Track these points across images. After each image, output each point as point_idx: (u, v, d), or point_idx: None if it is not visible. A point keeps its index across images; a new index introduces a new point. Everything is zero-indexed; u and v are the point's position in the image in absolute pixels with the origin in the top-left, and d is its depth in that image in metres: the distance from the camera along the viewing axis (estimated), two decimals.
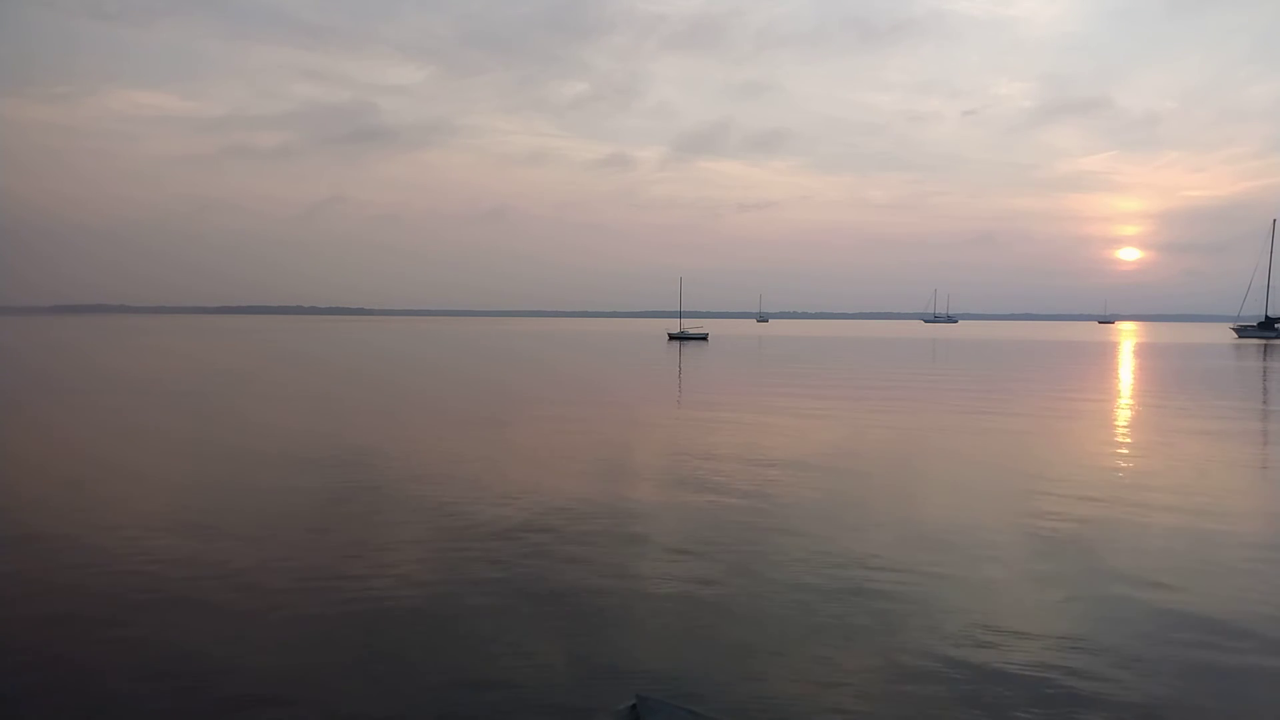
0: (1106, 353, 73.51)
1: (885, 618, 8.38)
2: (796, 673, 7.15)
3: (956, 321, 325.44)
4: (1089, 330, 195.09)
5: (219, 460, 17.11)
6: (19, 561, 10.13)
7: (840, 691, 6.82)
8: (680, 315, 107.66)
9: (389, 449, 18.39)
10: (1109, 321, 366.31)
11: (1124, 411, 27.48)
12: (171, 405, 27.04)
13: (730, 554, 10.55)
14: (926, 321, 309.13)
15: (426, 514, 12.51)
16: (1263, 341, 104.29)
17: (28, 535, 11.24)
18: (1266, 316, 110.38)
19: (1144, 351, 76.28)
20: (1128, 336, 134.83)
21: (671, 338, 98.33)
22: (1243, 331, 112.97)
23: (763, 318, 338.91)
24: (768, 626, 8.19)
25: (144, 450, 18.31)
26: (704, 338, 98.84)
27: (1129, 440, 20.90)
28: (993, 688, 6.86)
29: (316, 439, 19.89)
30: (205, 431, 21.14)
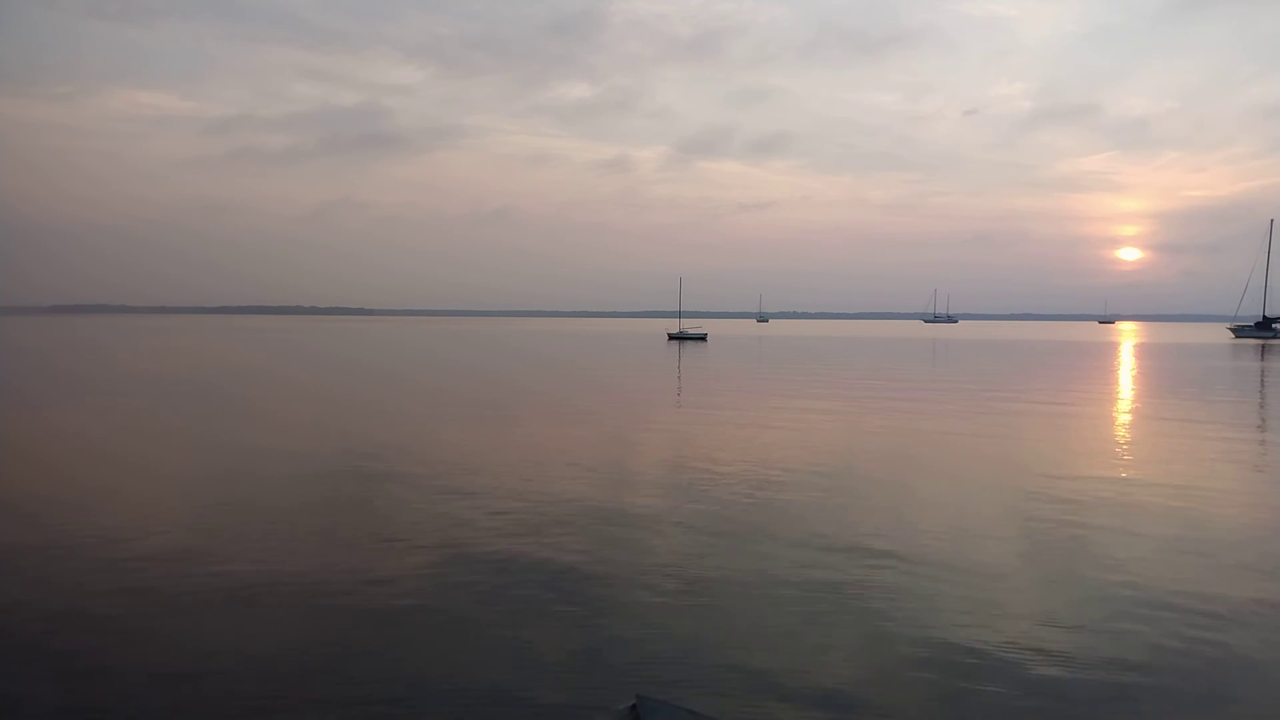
0: (1108, 353, 73.62)
1: (886, 616, 8.49)
2: (797, 672, 7.26)
3: (957, 321, 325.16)
4: (1089, 330, 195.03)
5: (238, 458, 17.25)
6: (29, 559, 10.31)
7: (841, 690, 6.95)
8: (680, 315, 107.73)
9: (396, 445, 18.52)
10: (1109, 321, 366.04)
11: (1127, 411, 27.59)
12: (189, 402, 27.18)
13: (731, 553, 10.67)
14: (927, 321, 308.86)
15: (433, 511, 12.64)
16: (1260, 341, 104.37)
17: (44, 530, 11.40)
18: (1264, 316, 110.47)
19: (1144, 352, 76.39)
20: (1128, 337, 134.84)
21: (671, 338, 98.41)
22: (1240, 331, 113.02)
23: (763, 318, 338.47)
24: (768, 626, 8.30)
25: (168, 448, 18.47)
26: (703, 338, 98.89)
27: (1132, 440, 21.04)
28: (992, 685, 6.99)
29: (326, 434, 20.04)
30: (227, 429, 21.29)
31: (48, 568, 10.07)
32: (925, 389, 35.88)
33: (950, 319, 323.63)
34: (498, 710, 6.61)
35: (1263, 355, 70.13)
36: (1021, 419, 25.14)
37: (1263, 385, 39.90)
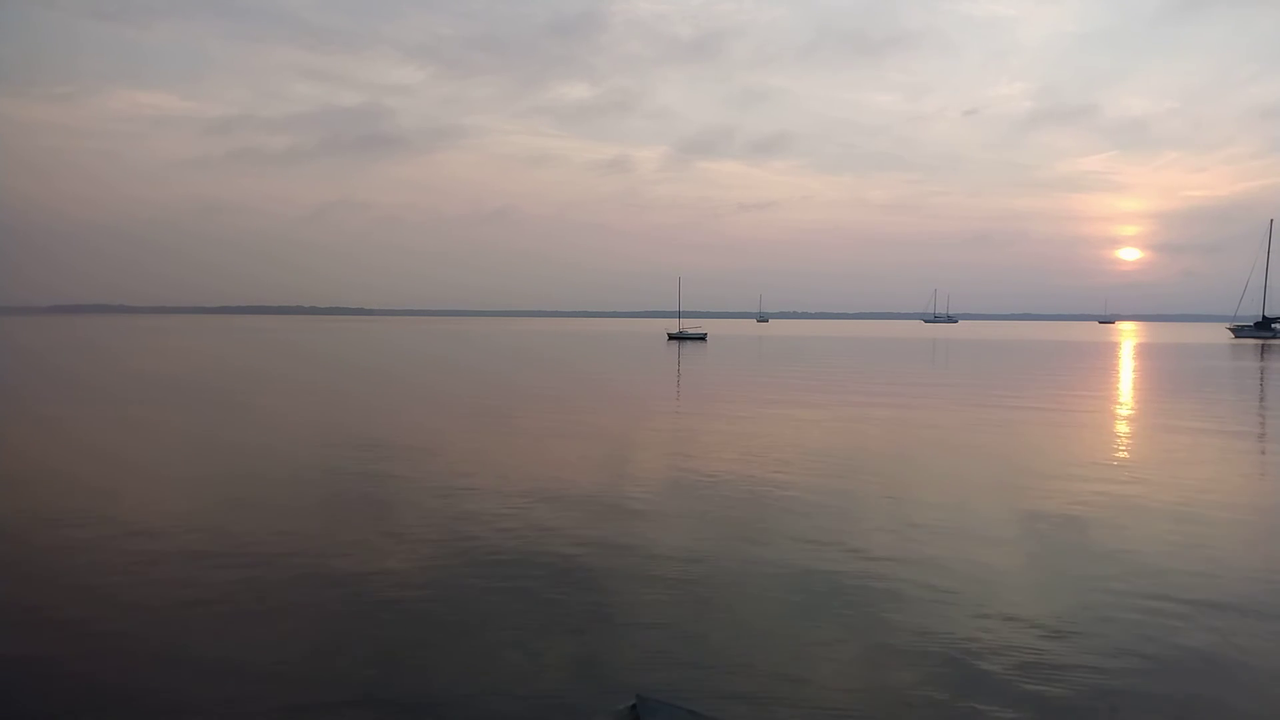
0: (1108, 353, 73.69)
1: (886, 616, 8.51)
2: (797, 672, 7.29)
3: (957, 322, 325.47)
4: (1090, 330, 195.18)
5: (238, 458, 17.30)
6: (32, 558, 10.34)
7: (841, 690, 6.97)
8: (679, 315, 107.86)
9: (397, 446, 18.55)
10: (1109, 321, 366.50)
11: (1127, 412, 27.62)
12: (190, 403, 27.20)
13: (732, 554, 10.69)
14: (927, 322, 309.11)
15: (433, 511, 12.65)
16: (1259, 341, 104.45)
17: (44, 531, 11.41)
18: (1264, 316, 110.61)
19: (1144, 352, 76.47)
20: (1128, 337, 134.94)
21: (671, 338, 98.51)
22: (1239, 331, 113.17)
23: (763, 318, 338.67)
24: (769, 626, 8.33)
25: (170, 449, 18.51)
26: (703, 338, 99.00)
27: (1131, 441, 21.07)
28: (992, 685, 7.01)
29: (327, 435, 20.08)
30: (227, 429, 21.33)
31: (49, 569, 10.10)
32: (925, 390, 35.91)
33: (950, 319, 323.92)
34: (498, 710, 6.63)
35: (1262, 355, 70.21)
36: (1021, 420, 25.17)
37: (1262, 385, 39.94)
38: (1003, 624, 8.40)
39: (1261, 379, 43.88)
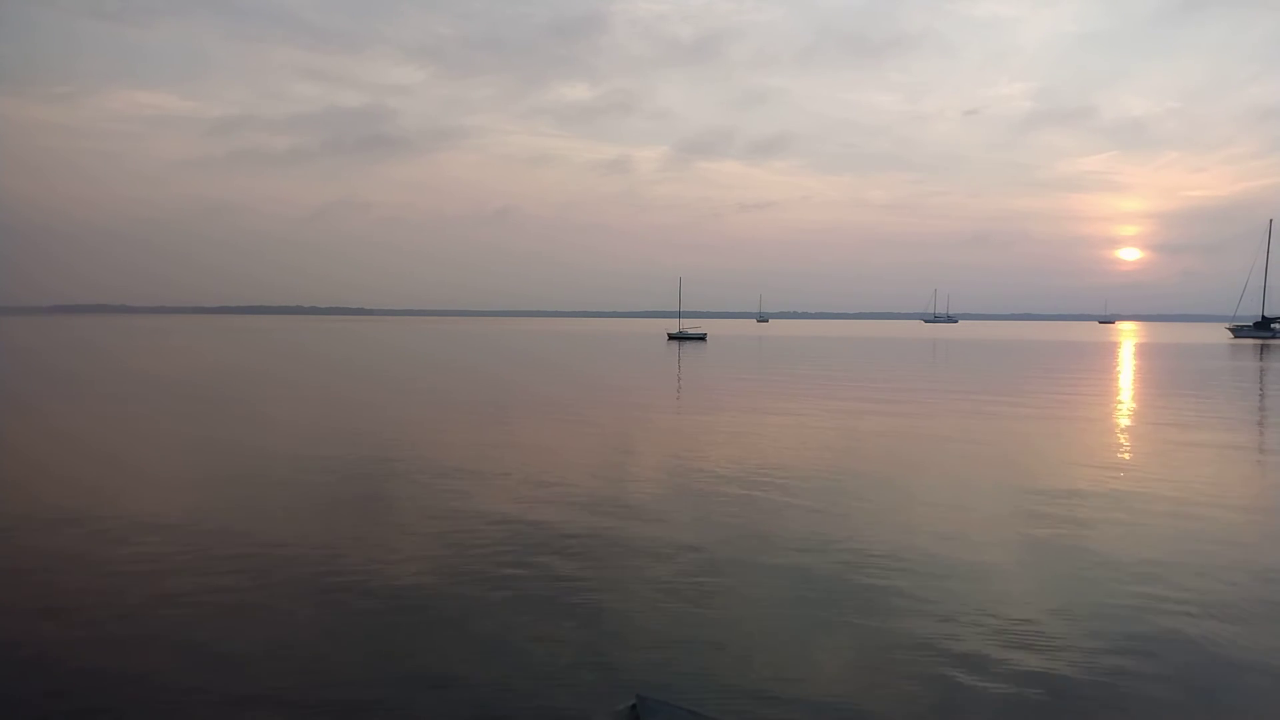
0: (1108, 353, 73.70)
1: (885, 618, 8.55)
2: (796, 672, 7.33)
3: (957, 322, 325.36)
4: (1090, 330, 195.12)
5: (241, 457, 17.35)
6: (33, 557, 10.39)
7: (839, 690, 7.01)
8: (680, 315, 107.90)
9: (398, 447, 18.57)
10: (1109, 321, 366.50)
11: (1127, 412, 27.67)
12: (190, 403, 27.23)
13: (731, 555, 10.73)
14: (927, 322, 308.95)
15: (434, 511, 12.68)
16: (1258, 341, 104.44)
17: (45, 532, 11.46)
18: (1263, 316, 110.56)
19: (1143, 352, 76.50)
20: (1128, 337, 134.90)
21: (671, 338, 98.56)
22: (1239, 331, 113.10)
23: (763, 318, 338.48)
24: (768, 626, 8.37)
25: (169, 449, 18.56)
26: (702, 338, 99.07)
27: (1130, 442, 21.13)
28: (989, 687, 7.06)
29: (327, 436, 20.12)
30: (226, 430, 21.36)
31: (49, 568, 10.15)
32: (925, 391, 35.95)
33: (950, 319, 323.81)
34: (498, 710, 6.68)
35: (1261, 355, 70.23)
36: (1021, 422, 25.21)
37: (1261, 385, 39.97)
38: (1003, 628, 8.44)
39: (1261, 379, 43.91)
